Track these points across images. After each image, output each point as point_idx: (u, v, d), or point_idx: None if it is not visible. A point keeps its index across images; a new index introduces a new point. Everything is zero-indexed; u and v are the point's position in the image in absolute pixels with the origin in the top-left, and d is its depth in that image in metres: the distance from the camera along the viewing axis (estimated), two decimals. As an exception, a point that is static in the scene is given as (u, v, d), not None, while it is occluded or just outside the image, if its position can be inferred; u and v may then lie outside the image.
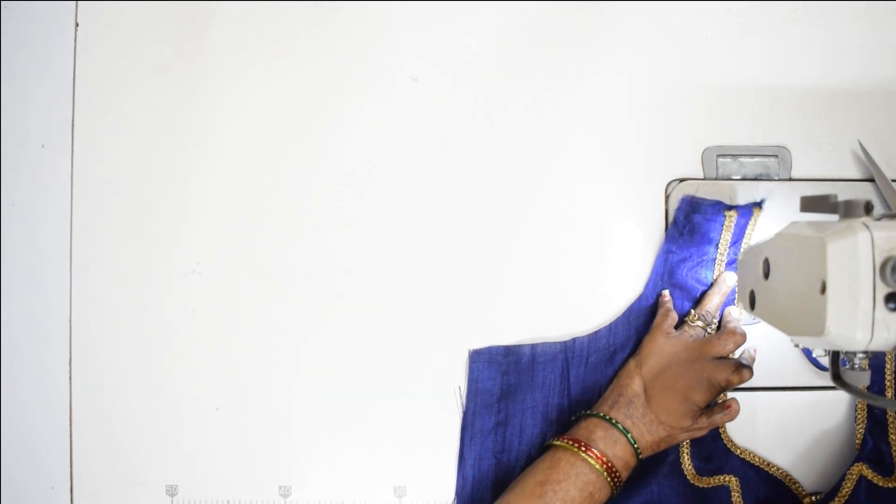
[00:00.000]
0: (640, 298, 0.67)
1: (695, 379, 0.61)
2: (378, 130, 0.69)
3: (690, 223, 0.66)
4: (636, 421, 0.61)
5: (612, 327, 0.67)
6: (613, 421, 0.61)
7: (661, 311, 0.66)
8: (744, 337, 0.63)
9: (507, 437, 0.67)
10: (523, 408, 0.67)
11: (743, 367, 0.61)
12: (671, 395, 0.61)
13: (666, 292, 0.66)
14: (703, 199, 0.66)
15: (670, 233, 0.67)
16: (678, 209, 0.66)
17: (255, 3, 0.69)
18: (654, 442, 0.62)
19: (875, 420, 0.65)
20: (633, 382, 0.63)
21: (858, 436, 0.66)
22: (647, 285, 0.67)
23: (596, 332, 0.67)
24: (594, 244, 0.69)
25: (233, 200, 0.69)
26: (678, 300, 0.66)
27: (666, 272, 0.67)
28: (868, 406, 0.66)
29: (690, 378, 0.61)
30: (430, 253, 0.69)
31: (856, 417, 0.66)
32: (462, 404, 0.68)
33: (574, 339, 0.67)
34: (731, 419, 0.62)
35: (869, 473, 0.63)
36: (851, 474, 0.63)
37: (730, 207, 0.65)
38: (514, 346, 0.67)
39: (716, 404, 0.63)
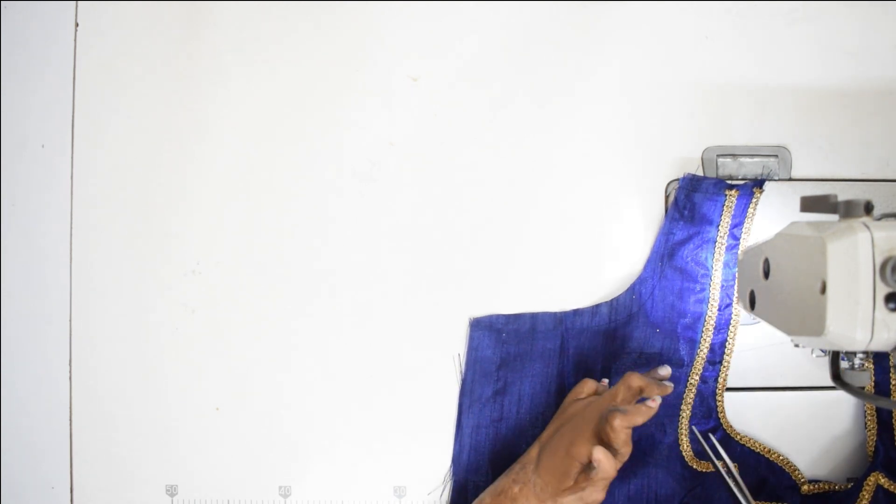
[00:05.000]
0: (639, 280, 0.67)
1: (578, 432, 0.56)
2: (378, 130, 0.69)
3: (691, 202, 0.66)
4: (523, 486, 0.58)
5: (612, 304, 0.67)
6: None
7: (581, 380, 0.64)
8: (640, 381, 0.58)
9: (505, 405, 0.67)
10: (522, 376, 0.67)
11: (613, 413, 0.54)
12: (556, 453, 0.57)
13: (606, 381, 0.65)
14: (705, 177, 0.67)
15: (671, 213, 0.67)
16: (679, 188, 0.66)
17: (255, 4, 0.69)
18: None
19: (884, 427, 0.65)
20: (533, 449, 0.60)
21: (870, 443, 0.66)
22: (646, 266, 0.67)
23: (597, 306, 0.68)
24: (593, 239, 0.69)
25: (233, 200, 0.69)
26: (678, 282, 0.66)
27: (666, 254, 0.67)
28: (877, 413, 0.66)
29: (575, 432, 0.57)
30: (430, 253, 0.69)
31: (866, 424, 0.66)
32: (461, 372, 0.68)
33: (574, 311, 0.67)
34: (606, 473, 0.54)
35: (885, 482, 0.63)
36: (868, 484, 0.63)
37: (731, 186, 0.65)
38: (515, 315, 0.68)
39: None
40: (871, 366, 0.65)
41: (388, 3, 0.69)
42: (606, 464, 0.54)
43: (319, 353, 0.69)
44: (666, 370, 0.63)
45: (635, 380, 0.59)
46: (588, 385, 0.63)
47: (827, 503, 0.65)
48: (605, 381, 0.65)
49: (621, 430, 0.54)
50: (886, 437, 0.65)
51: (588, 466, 0.55)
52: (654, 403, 0.56)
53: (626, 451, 0.55)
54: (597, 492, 0.55)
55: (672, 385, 0.61)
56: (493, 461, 0.67)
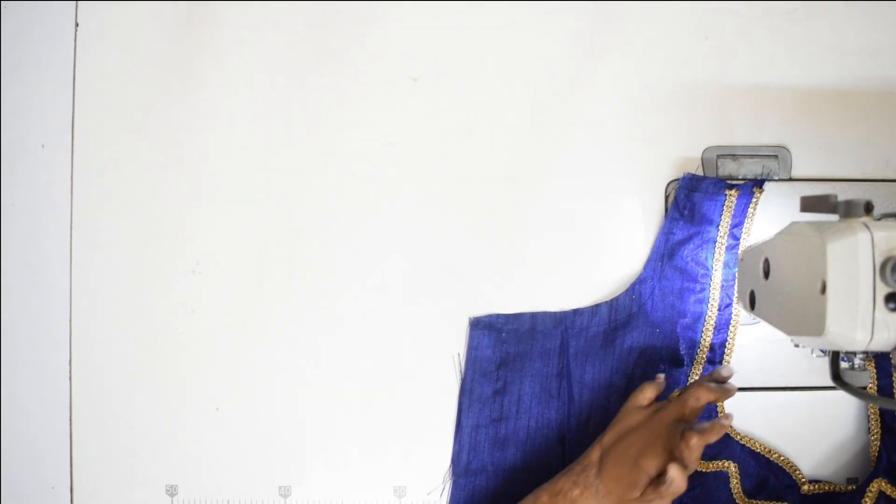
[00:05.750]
0: (639, 280, 0.67)
1: (648, 444, 0.56)
2: (378, 130, 0.69)
3: (691, 202, 0.66)
4: (584, 490, 0.58)
5: (612, 303, 0.67)
6: None
7: (642, 384, 0.63)
8: (708, 393, 0.58)
9: (505, 405, 0.67)
10: (522, 376, 0.67)
11: (690, 433, 0.55)
12: (622, 463, 0.57)
13: (661, 375, 0.64)
14: (705, 177, 0.67)
15: (671, 213, 0.67)
16: (679, 187, 0.66)
17: (256, 4, 0.69)
18: None
19: (888, 431, 0.65)
20: (593, 451, 0.60)
21: (873, 448, 0.65)
22: (646, 266, 0.67)
23: (597, 306, 0.67)
24: (593, 239, 0.69)
25: (233, 200, 0.69)
26: (678, 282, 0.66)
27: (666, 254, 0.67)
28: (881, 417, 0.65)
29: (644, 443, 0.57)
30: (430, 252, 0.69)
31: (869, 428, 0.66)
32: (461, 372, 0.68)
33: (574, 311, 0.67)
34: (676, 490, 0.55)
35: (888, 489, 0.63)
36: (871, 491, 0.63)
37: (731, 186, 0.65)
38: (515, 315, 0.68)
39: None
40: (874, 368, 0.65)
41: (388, 3, 0.69)
42: (680, 482, 0.54)
43: (319, 353, 0.69)
44: (728, 371, 0.62)
45: (704, 394, 0.58)
46: (649, 392, 0.62)
47: None
48: (661, 376, 0.64)
49: (697, 448, 0.55)
50: (890, 441, 0.65)
51: (655, 480, 0.56)
52: (728, 420, 0.57)
53: (694, 467, 0.55)
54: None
55: (736, 387, 0.61)
56: (492, 461, 0.67)
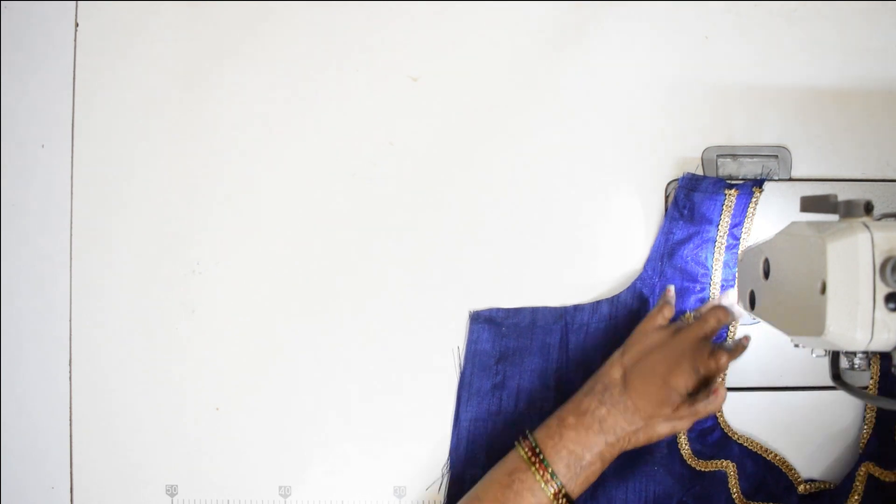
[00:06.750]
0: (639, 278, 0.67)
1: (675, 363, 0.58)
2: (378, 130, 0.69)
3: (691, 202, 0.66)
4: (611, 408, 0.58)
5: (613, 300, 0.67)
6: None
7: (657, 304, 0.65)
8: (727, 314, 0.62)
9: (503, 399, 0.67)
10: (521, 371, 0.67)
11: (720, 351, 0.58)
12: (650, 380, 0.58)
13: (671, 287, 0.66)
14: (705, 176, 0.67)
15: (670, 213, 0.67)
16: (679, 187, 0.66)
17: (256, 4, 0.69)
18: (630, 433, 0.58)
19: (882, 423, 0.65)
20: (613, 370, 0.60)
21: (864, 436, 0.66)
22: (646, 265, 0.67)
23: (598, 302, 0.68)
24: (594, 238, 0.69)
25: (233, 200, 0.69)
26: (678, 281, 0.66)
27: (666, 253, 0.67)
28: (878, 413, 0.66)
29: (671, 362, 0.58)
30: (430, 252, 0.69)
31: (865, 417, 0.66)
32: (460, 365, 0.68)
33: (575, 307, 0.67)
34: (716, 408, 0.58)
35: (876, 471, 0.63)
36: (860, 475, 0.63)
37: (730, 186, 0.65)
38: (515, 309, 0.68)
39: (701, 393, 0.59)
40: (878, 368, 0.65)
41: (388, 3, 0.69)
42: (721, 401, 0.58)
43: (319, 353, 0.69)
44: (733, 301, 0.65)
45: (724, 315, 0.62)
46: (666, 311, 0.64)
47: (823, 502, 0.65)
48: (671, 287, 0.66)
49: (725, 366, 0.59)
50: (881, 430, 0.65)
51: (688, 397, 0.58)
52: (747, 341, 0.62)
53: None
54: (687, 422, 0.59)
55: (744, 314, 0.64)
56: (489, 454, 0.67)
